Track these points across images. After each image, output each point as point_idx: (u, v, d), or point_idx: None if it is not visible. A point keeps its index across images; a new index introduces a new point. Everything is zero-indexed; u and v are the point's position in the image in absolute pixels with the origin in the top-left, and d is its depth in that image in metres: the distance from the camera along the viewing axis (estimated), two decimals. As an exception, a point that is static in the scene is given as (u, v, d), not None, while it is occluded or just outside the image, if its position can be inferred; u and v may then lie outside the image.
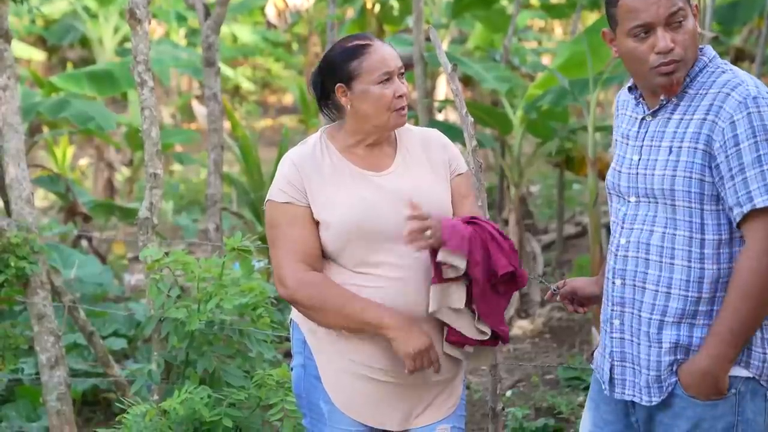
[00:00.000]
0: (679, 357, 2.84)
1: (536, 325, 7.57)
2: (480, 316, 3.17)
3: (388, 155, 3.25)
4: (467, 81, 11.17)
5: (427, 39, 8.09)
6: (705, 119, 2.79)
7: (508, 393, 6.25)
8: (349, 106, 3.18)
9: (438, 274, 3.11)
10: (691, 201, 2.81)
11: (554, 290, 3.27)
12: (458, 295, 3.14)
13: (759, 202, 2.72)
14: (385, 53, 3.16)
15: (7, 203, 5.03)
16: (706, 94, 2.82)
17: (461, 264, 3.08)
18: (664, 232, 2.87)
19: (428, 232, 3.03)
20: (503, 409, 4.30)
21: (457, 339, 3.19)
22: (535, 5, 14.27)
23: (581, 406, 5.87)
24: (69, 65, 15.75)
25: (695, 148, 2.80)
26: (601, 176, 7.95)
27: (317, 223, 3.18)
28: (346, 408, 3.20)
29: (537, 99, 8.26)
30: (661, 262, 2.86)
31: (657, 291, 2.87)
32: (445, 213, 3.21)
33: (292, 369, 3.34)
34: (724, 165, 2.76)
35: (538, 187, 12.98)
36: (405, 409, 3.22)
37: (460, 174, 3.31)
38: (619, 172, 2.96)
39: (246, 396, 4.00)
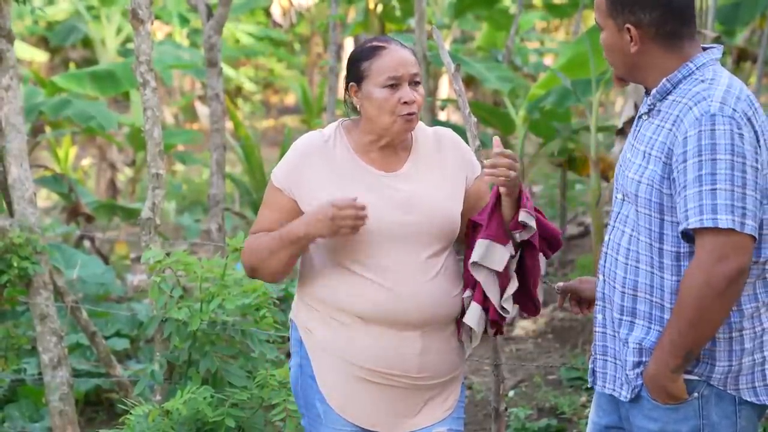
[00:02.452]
0: (644, 359, 2.86)
1: (539, 325, 7.57)
2: (532, 286, 3.22)
3: (401, 157, 3.23)
4: (469, 81, 11.17)
5: (429, 38, 8.10)
6: (671, 130, 2.79)
7: (511, 393, 6.25)
8: (359, 106, 3.19)
9: (491, 228, 3.13)
10: (651, 210, 2.82)
11: (558, 290, 3.27)
12: (500, 257, 3.15)
13: (691, 223, 2.71)
14: (397, 58, 3.13)
15: (9, 203, 5.03)
16: (679, 103, 2.81)
17: (533, 225, 3.12)
18: (631, 235, 2.89)
19: (512, 172, 3.04)
20: (506, 409, 4.30)
21: (494, 317, 3.19)
22: (538, 5, 14.29)
23: (584, 406, 5.87)
24: (71, 66, 15.76)
25: (659, 158, 2.80)
26: (604, 176, 7.96)
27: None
28: (340, 408, 3.20)
29: (539, 99, 8.27)
30: (627, 264, 2.89)
31: (624, 293, 2.90)
32: (447, 219, 3.20)
33: (290, 368, 3.34)
34: (675, 179, 2.76)
35: (540, 187, 12.98)
36: (398, 411, 3.21)
37: (477, 177, 3.31)
38: (620, 166, 2.99)
39: (248, 396, 4.00)
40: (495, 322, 3.22)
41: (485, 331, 3.27)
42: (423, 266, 3.16)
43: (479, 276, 3.17)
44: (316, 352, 3.21)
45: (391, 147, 3.21)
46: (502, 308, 3.20)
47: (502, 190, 3.09)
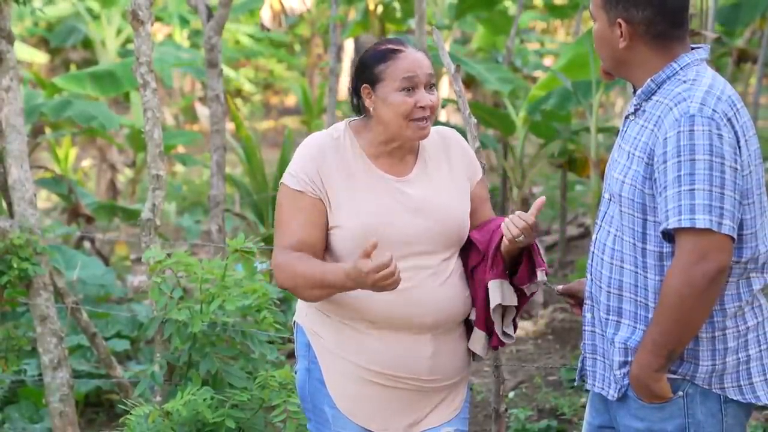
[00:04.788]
0: (630, 359, 2.87)
1: (539, 326, 7.57)
2: (518, 315, 3.28)
3: (408, 161, 3.22)
4: (469, 82, 11.17)
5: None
6: (653, 131, 2.81)
7: (511, 394, 6.24)
8: (372, 109, 3.16)
9: (496, 269, 3.16)
10: (634, 210, 2.83)
11: (558, 292, 3.29)
12: (511, 293, 3.21)
13: (671, 223, 2.72)
14: (413, 62, 3.11)
15: (9, 205, 5.03)
16: (661, 104, 2.82)
17: (545, 280, 3.20)
18: (616, 235, 2.91)
19: (523, 237, 3.07)
20: (506, 410, 4.30)
21: (496, 344, 3.26)
22: (538, 6, 14.30)
23: (584, 407, 5.86)
24: (72, 67, 15.76)
25: (642, 159, 2.82)
26: (604, 178, 7.96)
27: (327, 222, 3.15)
28: (350, 412, 3.19)
29: (540, 101, 8.27)
30: (612, 264, 2.91)
31: (610, 292, 2.91)
32: (458, 223, 3.21)
33: (296, 372, 3.33)
34: (657, 180, 2.78)
35: (540, 188, 12.99)
36: (409, 413, 3.21)
37: (479, 180, 3.31)
38: (608, 166, 3.01)
39: (249, 397, 3.99)
40: (497, 347, 3.29)
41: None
42: (437, 269, 3.16)
43: (495, 316, 3.23)
44: (326, 357, 3.20)
45: (400, 151, 3.20)
46: (505, 335, 3.26)
47: (505, 241, 3.12)
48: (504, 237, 3.11)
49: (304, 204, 3.13)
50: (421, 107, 3.10)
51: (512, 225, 3.06)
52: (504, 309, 3.24)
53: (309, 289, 3.09)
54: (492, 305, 3.18)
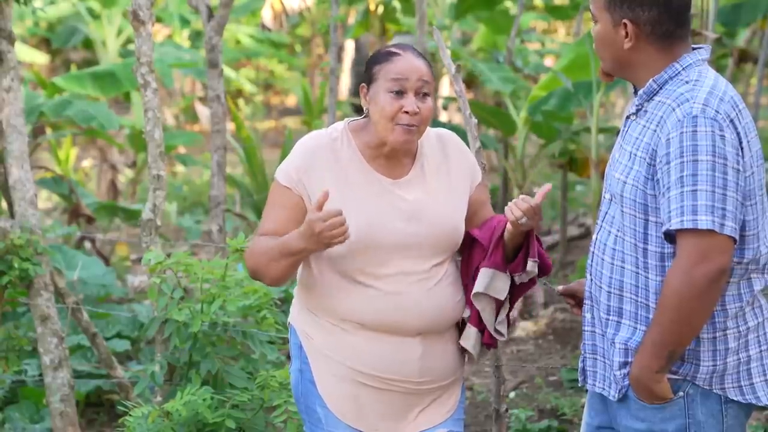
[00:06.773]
0: (630, 359, 2.87)
1: (539, 326, 7.57)
2: (510, 311, 3.26)
3: (405, 164, 3.20)
4: (470, 82, 11.17)
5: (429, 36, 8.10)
6: (655, 131, 2.81)
7: (512, 394, 6.24)
8: (366, 108, 3.17)
9: (493, 257, 3.15)
10: (636, 210, 2.83)
11: (558, 293, 3.29)
12: (503, 286, 3.18)
13: (673, 224, 2.72)
14: (407, 65, 3.10)
15: (10, 205, 5.03)
16: (663, 104, 2.82)
17: (536, 272, 3.17)
18: (617, 235, 2.90)
19: (526, 220, 3.05)
20: (506, 410, 4.29)
21: (488, 341, 3.24)
22: (539, 6, 14.31)
23: (584, 407, 5.86)
24: (73, 67, 15.76)
25: (644, 159, 2.81)
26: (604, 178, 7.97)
27: None
28: (341, 413, 3.18)
29: (541, 102, 8.27)
30: (613, 264, 2.90)
31: (610, 293, 2.91)
32: (452, 229, 3.19)
33: (291, 373, 3.34)
34: (659, 181, 2.78)
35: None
36: (399, 414, 3.20)
37: (479, 183, 3.30)
38: (609, 166, 3.00)
39: (249, 397, 4.00)
40: (489, 344, 3.26)
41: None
42: (427, 275, 3.15)
43: (479, 304, 3.20)
44: (317, 358, 3.20)
45: (396, 153, 3.17)
46: (497, 331, 3.24)
47: (509, 226, 3.11)
48: (508, 222, 3.10)
49: (287, 200, 3.16)
50: (405, 112, 3.08)
51: (515, 207, 3.04)
52: (499, 305, 3.22)
53: (267, 264, 3.12)
54: (473, 291, 3.17)
